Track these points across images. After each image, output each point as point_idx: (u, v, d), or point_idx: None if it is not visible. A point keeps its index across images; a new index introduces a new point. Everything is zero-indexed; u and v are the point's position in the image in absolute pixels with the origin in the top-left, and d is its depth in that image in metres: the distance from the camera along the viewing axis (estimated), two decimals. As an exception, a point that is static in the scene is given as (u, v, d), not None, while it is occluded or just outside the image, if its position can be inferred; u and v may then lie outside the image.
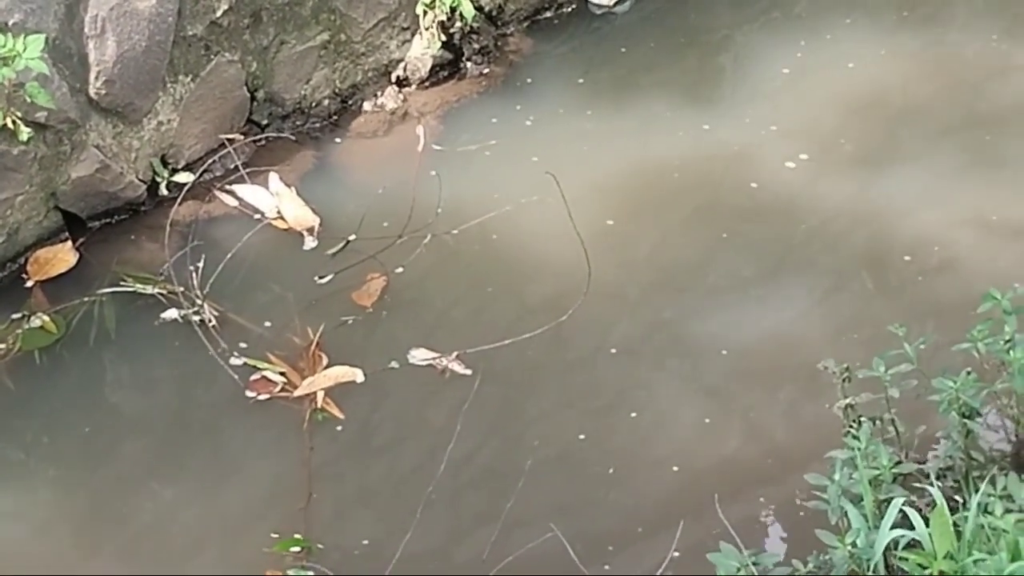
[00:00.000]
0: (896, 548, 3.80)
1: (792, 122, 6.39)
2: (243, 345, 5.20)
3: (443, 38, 6.55)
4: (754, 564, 3.92)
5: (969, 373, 4.32)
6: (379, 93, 6.50)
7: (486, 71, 6.69)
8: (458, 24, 6.56)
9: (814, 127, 6.35)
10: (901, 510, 3.81)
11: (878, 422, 4.43)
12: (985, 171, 6.11)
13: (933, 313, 5.35)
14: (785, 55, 6.80)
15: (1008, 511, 3.82)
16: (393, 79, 6.55)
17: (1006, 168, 6.10)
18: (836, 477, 4.06)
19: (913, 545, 3.74)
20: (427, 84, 6.59)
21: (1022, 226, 5.82)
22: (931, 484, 4.14)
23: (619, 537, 4.65)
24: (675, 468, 4.87)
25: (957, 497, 4.26)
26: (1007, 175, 6.04)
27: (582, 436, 4.98)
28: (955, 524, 3.75)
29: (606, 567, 4.52)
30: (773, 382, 5.14)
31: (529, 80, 6.65)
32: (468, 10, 6.44)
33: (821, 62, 6.77)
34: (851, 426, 4.41)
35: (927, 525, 3.70)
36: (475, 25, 6.63)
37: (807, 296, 5.55)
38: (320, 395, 5.01)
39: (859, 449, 4.10)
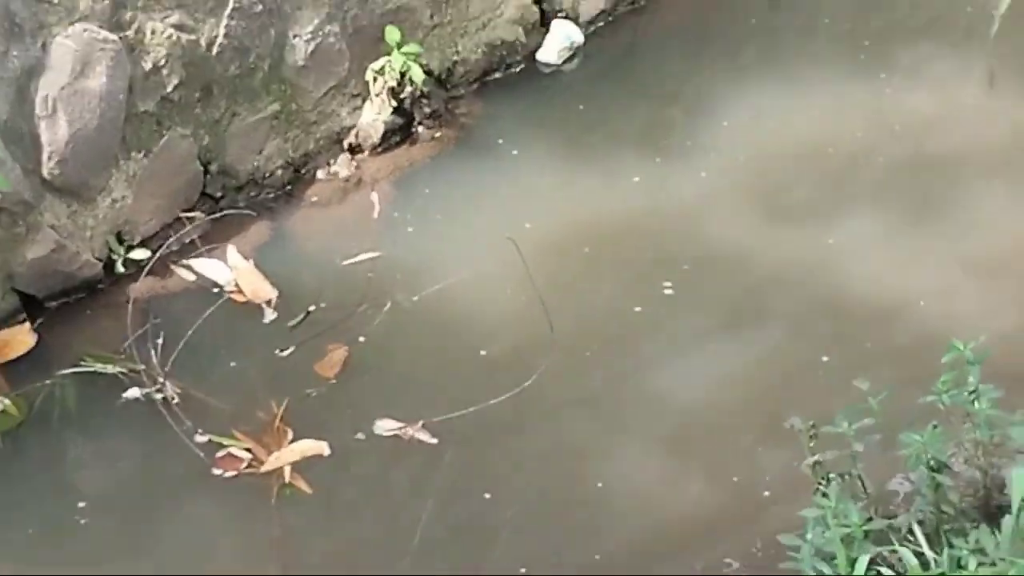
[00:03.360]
0: (871, 609, 3.79)
1: (743, 172, 6.43)
2: (207, 422, 5.14)
3: (394, 104, 6.57)
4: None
5: (935, 427, 4.34)
6: (332, 161, 6.51)
7: (438, 135, 6.71)
8: (408, 89, 6.57)
9: (765, 176, 6.38)
10: (875, 570, 3.80)
11: (846, 477, 4.44)
12: (934, 215, 6.15)
13: (891, 359, 5.38)
14: (735, 105, 6.83)
15: (981, 564, 3.83)
16: (345, 146, 6.56)
17: (955, 211, 6.14)
18: (808, 536, 4.06)
19: (889, 605, 3.73)
20: (380, 150, 6.59)
21: (974, 268, 5.86)
22: (906, 539, 4.17)
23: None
24: (639, 523, 4.88)
25: (929, 552, 4.28)
26: (956, 218, 6.07)
27: (548, 494, 5.00)
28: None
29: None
30: (734, 434, 5.16)
31: (482, 142, 6.65)
32: (418, 75, 6.47)
33: (770, 111, 6.80)
34: (819, 483, 4.43)
35: (901, 583, 3.71)
36: (425, 89, 6.65)
37: (765, 345, 5.55)
38: (287, 470, 4.96)
39: (829, 507, 4.11)
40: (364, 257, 5.82)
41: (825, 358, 5.49)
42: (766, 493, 4.94)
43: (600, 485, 5.02)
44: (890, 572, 3.80)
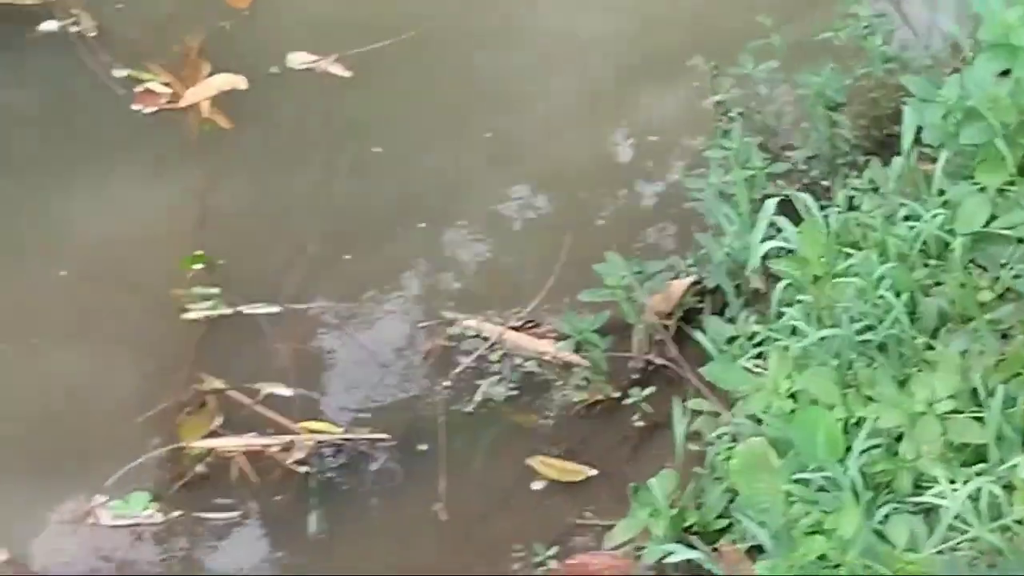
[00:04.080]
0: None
1: None
2: (125, 57, 5.23)
3: None
4: (637, 273, 4.17)
5: (832, 68, 4.53)
6: None
7: None
8: None
9: None
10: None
11: (748, 115, 4.65)
12: None
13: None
14: None
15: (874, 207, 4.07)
16: None
17: None
18: (711, 179, 4.27)
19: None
20: None
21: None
22: (802, 179, 4.42)
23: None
24: (544, 156, 4.98)
25: (826, 182, 4.54)
26: None
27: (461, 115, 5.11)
28: (825, 219, 3.99)
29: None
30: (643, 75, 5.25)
31: None
32: None
33: None
34: (719, 121, 4.65)
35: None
36: None
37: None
38: (206, 104, 5.05)
39: (732, 150, 4.32)
40: None
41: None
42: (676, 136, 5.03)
43: (515, 112, 5.14)
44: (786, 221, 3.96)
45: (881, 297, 3.54)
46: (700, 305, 4.22)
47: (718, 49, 4.81)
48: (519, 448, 4.00)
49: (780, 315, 3.82)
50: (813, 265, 3.77)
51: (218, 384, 4.14)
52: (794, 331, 3.75)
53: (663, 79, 5.15)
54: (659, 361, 4.11)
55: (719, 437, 3.63)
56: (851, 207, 4.15)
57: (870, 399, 3.28)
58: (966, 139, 3.83)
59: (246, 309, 4.39)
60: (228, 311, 4.39)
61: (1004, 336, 3.45)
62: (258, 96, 5.15)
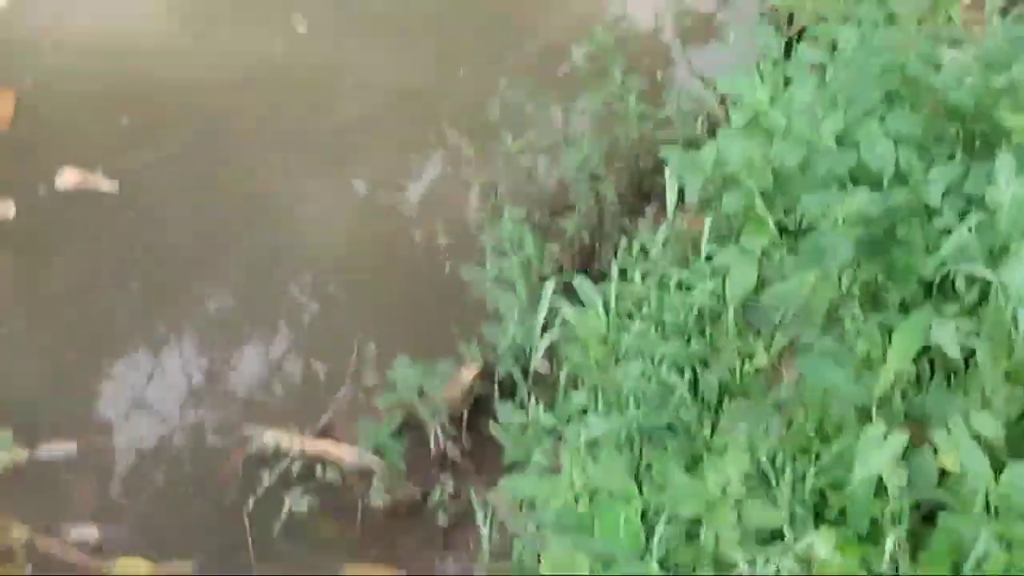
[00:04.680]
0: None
1: None
2: None
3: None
4: (427, 372, 4.24)
5: (593, 142, 4.65)
6: None
7: None
8: None
9: None
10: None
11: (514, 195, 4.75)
12: None
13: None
14: None
15: (646, 272, 4.18)
16: None
17: None
18: (489, 268, 4.35)
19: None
20: None
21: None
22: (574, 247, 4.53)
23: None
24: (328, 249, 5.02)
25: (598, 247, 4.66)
26: None
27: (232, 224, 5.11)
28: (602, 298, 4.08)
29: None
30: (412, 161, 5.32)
31: None
32: None
33: None
34: (490, 198, 4.74)
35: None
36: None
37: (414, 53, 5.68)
38: (-24, 238, 4.99)
39: (506, 235, 4.41)
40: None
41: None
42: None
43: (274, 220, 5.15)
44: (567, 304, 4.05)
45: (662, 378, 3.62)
46: (492, 390, 4.26)
47: (478, 125, 4.89)
48: (330, 559, 4.03)
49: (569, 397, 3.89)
50: (594, 349, 3.85)
51: (23, 531, 4.10)
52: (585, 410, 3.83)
53: (430, 164, 5.23)
54: (455, 458, 4.16)
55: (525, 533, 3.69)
56: (624, 277, 4.23)
57: (664, 487, 3.36)
58: (727, 206, 3.93)
59: (43, 450, 4.33)
60: (23, 452, 4.33)
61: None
62: (29, 222, 5.09)
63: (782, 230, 3.98)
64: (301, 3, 5.75)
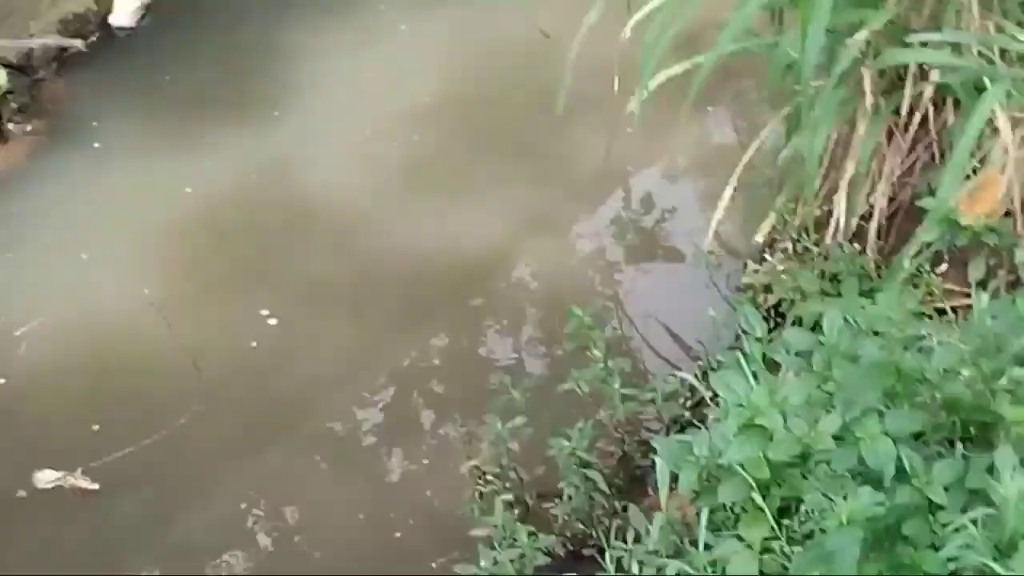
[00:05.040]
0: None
1: (341, 132, 6.52)
2: None
3: (-21, 108, 6.43)
4: None
5: (580, 429, 4.64)
6: (-76, 178, 6.34)
7: (29, 128, 6.61)
8: (-8, 89, 6.44)
9: (373, 134, 6.49)
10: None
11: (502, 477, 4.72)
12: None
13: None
14: (324, 51, 6.91)
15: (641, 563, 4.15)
16: (-62, 160, 6.39)
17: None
18: (482, 564, 4.32)
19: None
20: (-26, 157, 6.44)
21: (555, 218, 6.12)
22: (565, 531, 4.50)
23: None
24: (317, 555, 4.96)
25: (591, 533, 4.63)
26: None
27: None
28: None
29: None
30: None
31: (75, 129, 6.59)
32: (2, 78, 6.34)
33: (362, 55, 6.88)
34: (478, 482, 4.72)
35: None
36: (8, 85, 6.51)
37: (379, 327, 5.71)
38: (-47, 549, 4.92)
39: (497, 527, 4.38)
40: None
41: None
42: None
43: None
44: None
45: None
46: None
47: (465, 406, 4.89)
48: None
49: None
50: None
51: None
52: None
53: (418, 446, 5.21)
54: None
55: None
56: (620, 567, 4.20)
57: None
58: (724, 497, 3.91)
59: None
60: None
61: None
62: (8, 525, 5.02)
63: (779, 522, 3.97)
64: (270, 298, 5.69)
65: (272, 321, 5.63)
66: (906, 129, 4.89)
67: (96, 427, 5.31)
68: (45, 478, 5.17)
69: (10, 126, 6.58)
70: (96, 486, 5.14)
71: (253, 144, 6.46)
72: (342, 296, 5.77)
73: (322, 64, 6.90)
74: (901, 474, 3.58)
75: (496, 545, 4.38)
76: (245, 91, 6.79)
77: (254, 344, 5.56)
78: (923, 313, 4.39)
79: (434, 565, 4.73)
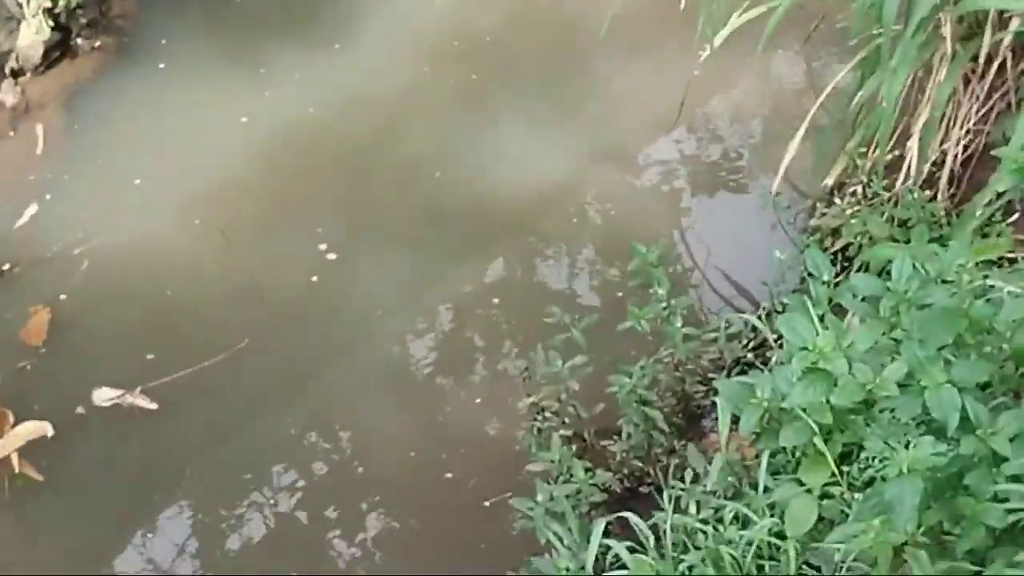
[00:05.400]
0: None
1: (406, 61, 6.47)
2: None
3: (50, 23, 6.41)
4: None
5: (642, 367, 4.61)
6: (-6, 87, 6.35)
7: (98, 44, 6.61)
8: (62, 3, 6.41)
9: (432, 69, 6.44)
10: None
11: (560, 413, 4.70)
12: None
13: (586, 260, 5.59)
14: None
15: (700, 505, 4.13)
16: (7, 71, 6.38)
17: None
18: (539, 498, 4.30)
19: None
20: (42, 70, 6.44)
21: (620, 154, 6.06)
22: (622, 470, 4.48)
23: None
24: (376, 497, 4.96)
25: (649, 471, 4.60)
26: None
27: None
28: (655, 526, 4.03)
29: None
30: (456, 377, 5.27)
31: (144, 48, 6.57)
32: (71, -9, 6.34)
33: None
34: (535, 419, 4.69)
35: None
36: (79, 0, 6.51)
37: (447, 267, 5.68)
38: (15, 458, 4.95)
39: (553, 462, 4.36)
40: (31, 213, 5.76)
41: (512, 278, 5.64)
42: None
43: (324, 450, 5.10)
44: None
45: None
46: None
47: (523, 342, 4.86)
48: None
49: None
50: (647, 581, 3.79)
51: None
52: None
53: (474, 380, 5.20)
54: None
55: None
56: (678, 506, 4.18)
57: None
58: (785, 441, 3.88)
59: None
60: None
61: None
62: (66, 442, 5.04)
63: (840, 468, 3.94)
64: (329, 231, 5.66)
65: (331, 256, 5.60)
66: (983, 76, 4.81)
67: (154, 350, 5.32)
68: (104, 396, 5.18)
69: (79, 41, 6.55)
70: (155, 405, 5.14)
71: (315, 75, 6.43)
72: (401, 230, 5.72)
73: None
74: (965, 424, 3.53)
75: (552, 480, 4.33)
76: (310, 18, 6.70)
77: (314, 279, 5.55)
78: (993, 262, 4.31)
79: (487, 504, 4.66)
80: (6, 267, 5.56)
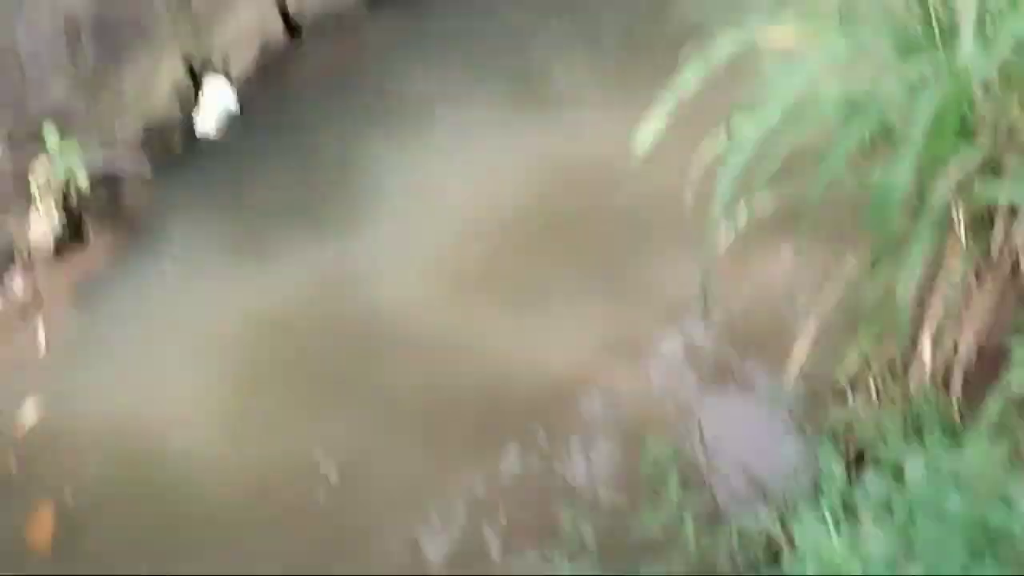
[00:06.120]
0: None
1: (420, 242, 6.47)
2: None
3: (62, 211, 6.43)
4: None
5: None
6: (4, 279, 6.33)
7: (110, 234, 6.59)
8: (74, 193, 6.44)
9: (442, 249, 6.44)
10: None
11: None
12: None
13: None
14: (397, 167, 6.91)
15: None
16: (18, 262, 6.39)
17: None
18: None
19: None
20: (54, 261, 6.44)
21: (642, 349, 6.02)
22: None
23: None
24: None
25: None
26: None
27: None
28: None
29: None
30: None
31: (155, 238, 6.58)
32: (82, 180, 6.38)
33: (442, 169, 6.83)
34: None
35: None
36: (87, 186, 6.53)
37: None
38: None
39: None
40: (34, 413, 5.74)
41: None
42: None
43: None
44: None
45: None
46: None
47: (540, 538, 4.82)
48: None
49: None
50: None
51: None
52: None
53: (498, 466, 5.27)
54: None
55: None
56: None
57: None
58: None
59: None
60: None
61: None
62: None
63: None
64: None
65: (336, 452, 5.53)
66: (996, 268, 4.77)
67: (171, 545, 5.27)
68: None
69: (91, 230, 6.54)
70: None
71: (328, 259, 6.45)
72: (413, 419, 5.62)
73: (400, 177, 6.83)
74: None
75: None
76: (322, 204, 6.75)
77: (322, 472, 5.49)
78: (1010, 461, 4.24)
79: None
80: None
